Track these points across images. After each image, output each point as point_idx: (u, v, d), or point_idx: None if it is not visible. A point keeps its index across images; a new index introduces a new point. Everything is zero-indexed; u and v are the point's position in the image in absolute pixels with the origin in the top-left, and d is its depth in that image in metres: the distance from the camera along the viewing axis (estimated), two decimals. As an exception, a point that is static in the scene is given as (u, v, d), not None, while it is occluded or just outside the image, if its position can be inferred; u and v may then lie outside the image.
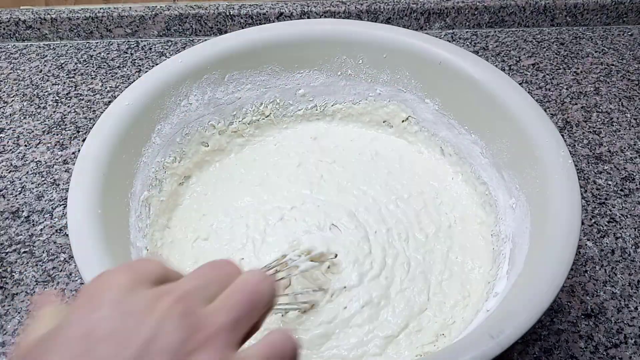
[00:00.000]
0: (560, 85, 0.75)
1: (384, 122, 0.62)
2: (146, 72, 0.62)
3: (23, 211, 0.59)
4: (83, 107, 0.70)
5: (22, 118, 0.69)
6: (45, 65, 0.76)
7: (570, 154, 0.65)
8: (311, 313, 0.48)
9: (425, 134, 0.60)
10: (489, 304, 0.45)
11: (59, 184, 0.61)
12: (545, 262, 0.40)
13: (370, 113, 0.62)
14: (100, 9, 0.79)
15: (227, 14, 0.79)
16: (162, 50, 0.79)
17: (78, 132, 0.67)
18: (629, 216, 0.59)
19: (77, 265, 0.39)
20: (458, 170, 0.59)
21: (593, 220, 0.59)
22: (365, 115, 0.63)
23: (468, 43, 0.81)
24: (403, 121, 0.61)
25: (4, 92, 0.72)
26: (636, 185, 0.62)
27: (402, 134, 0.62)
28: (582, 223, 0.58)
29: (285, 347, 0.26)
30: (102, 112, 0.50)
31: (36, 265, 0.54)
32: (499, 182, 0.53)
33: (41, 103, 0.71)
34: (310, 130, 0.63)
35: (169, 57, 0.66)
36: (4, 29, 0.78)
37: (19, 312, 0.51)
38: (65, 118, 0.69)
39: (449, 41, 0.81)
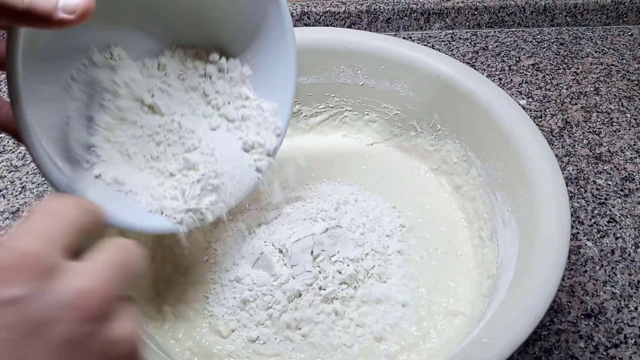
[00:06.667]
0: (560, 85, 0.75)
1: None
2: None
3: (23, 211, 0.59)
4: (83, 107, 0.70)
5: (22, 118, 0.69)
6: (45, 66, 0.76)
7: (570, 154, 0.65)
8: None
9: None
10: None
11: (59, 184, 0.61)
12: (527, 294, 0.39)
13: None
14: (101, 9, 0.78)
15: (227, 14, 0.79)
16: (162, 51, 0.78)
17: (78, 132, 0.67)
18: (629, 216, 0.59)
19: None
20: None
21: (593, 220, 0.59)
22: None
23: (468, 43, 0.81)
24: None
25: (4, 92, 0.72)
26: (636, 185, 0.62)
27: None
28: (582, 223, 0.58)
29: (131, 253, 0.27)
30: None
31: (36, 265, 0.54)
32: (493, 203, 0.52)
33: (41, 103, 0.71)
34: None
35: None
36: (4, 29, 0.78)
37: (19, 312, 0.51)
38: (65, 118, 0.69)
39: (449, 41, 0.81)
